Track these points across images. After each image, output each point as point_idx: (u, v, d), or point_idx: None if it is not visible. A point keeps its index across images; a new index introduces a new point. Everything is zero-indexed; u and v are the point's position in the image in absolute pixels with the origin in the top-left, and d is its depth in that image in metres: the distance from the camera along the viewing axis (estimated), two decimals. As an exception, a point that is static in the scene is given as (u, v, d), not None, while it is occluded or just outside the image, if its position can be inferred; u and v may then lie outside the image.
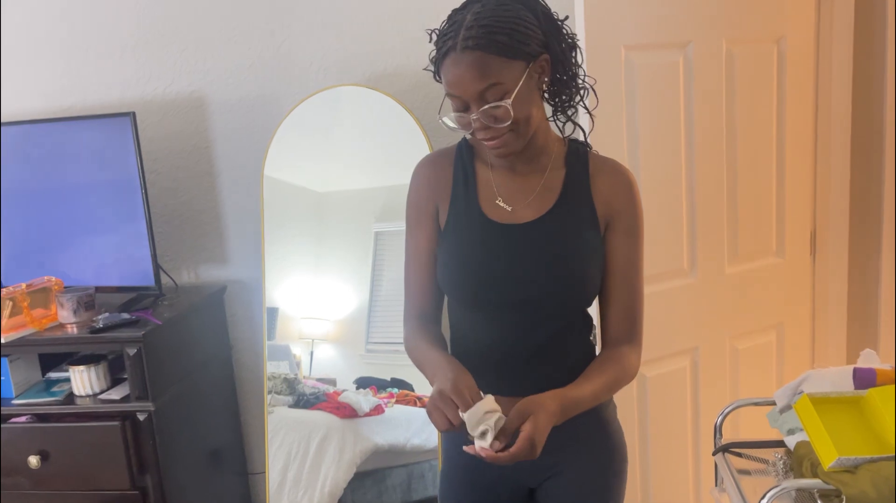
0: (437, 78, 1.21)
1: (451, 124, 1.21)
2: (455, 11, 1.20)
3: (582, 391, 1.22)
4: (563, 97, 1.28)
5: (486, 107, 1.15)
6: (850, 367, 1.47)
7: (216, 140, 2.40)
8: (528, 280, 1.24)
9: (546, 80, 1.22)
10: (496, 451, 1.09)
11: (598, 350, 1.38)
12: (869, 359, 1.51)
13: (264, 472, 2.29)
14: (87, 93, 2.38)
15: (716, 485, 1.58)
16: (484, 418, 1.09)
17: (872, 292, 2.37)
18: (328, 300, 2.33)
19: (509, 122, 1.16)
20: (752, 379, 2.17)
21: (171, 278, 2.39)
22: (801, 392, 1.42)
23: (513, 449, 1.09)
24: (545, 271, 1.24)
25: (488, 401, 1.10)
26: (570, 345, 1.32)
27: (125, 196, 2.17)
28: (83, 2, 2.34)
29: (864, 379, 1.43)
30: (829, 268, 2.28)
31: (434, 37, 1.21)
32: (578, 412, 1.21)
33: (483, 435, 1.09)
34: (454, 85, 1.16)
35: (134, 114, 2.12)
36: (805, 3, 2.11)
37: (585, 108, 1.31)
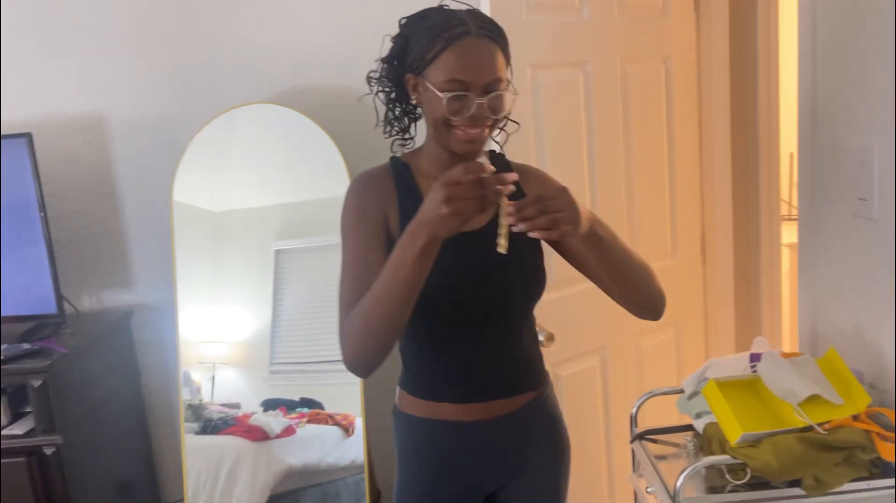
0: (423, 61, 1.21)
1: (443, 108, 1.20)
2: (439, 9, 1.24)
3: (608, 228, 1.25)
4: None
5: (493, 94, 1.20)
6: (747, 354, 1.62)
7: (117, 160, 2.32)
8: (498, 279, 1.30)
9: None
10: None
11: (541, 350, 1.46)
12: (761, 345, 1.67)
13: (182, 501, 2.22)
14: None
15: (633, 472, 1.68)
16: None
17: (754, 287, 2.60)
18: (228, 322, 2.28)
19: (499, 115, 1.23)
20: (654, 372, 2.32)
21: (73, 305, 2.29)
22: (707, 378, 1.55)
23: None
24: (512, 268, 1.30)
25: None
26: (527, 341, 1.39)
27: (22, 220, 2.06)
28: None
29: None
30: (717, 268, 2.48)
31: (406, 31, 1.25)
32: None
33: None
34: (467, 69, 1.19)
35: (30, 134, 2.03)
36: (686, 25, 2.30)
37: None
